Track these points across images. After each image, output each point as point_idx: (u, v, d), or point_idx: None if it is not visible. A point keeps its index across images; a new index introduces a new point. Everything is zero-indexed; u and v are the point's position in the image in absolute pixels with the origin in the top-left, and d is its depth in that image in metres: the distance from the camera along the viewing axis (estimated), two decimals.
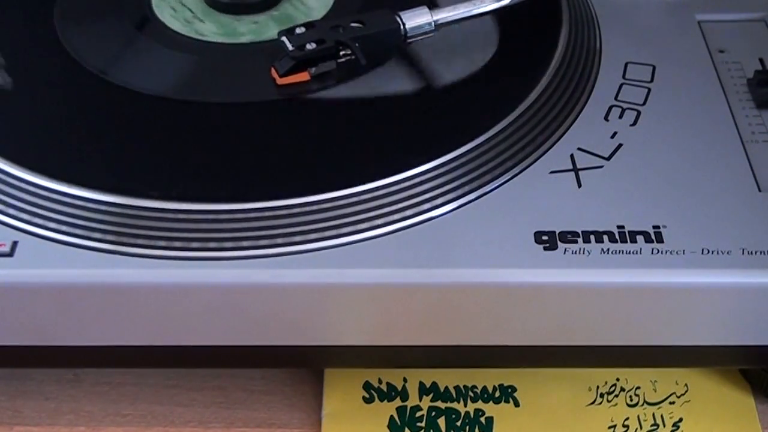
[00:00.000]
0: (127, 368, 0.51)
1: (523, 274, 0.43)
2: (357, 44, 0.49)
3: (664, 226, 0.44)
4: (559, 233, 0.44)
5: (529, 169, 0.46)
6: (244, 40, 0.53)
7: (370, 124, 0.48)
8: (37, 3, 0.55)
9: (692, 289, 0.43)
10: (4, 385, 0.51)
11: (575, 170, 0.46)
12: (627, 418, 0.50)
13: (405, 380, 0.51)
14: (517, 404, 0.50)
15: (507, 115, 0.47)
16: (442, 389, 0.51)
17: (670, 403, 0.50)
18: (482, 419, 0.50)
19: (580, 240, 0.43)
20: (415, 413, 0.50)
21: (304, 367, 0.52)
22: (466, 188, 0.45)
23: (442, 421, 0.50)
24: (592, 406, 0.50)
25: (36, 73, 0.51)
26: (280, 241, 0.43)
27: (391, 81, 0.50)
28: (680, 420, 0.50)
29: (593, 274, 0.43)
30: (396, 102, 0.49)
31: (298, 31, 0.50)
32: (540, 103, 0.48)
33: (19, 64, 0.51)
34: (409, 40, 0.50)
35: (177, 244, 0.43)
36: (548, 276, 0.43)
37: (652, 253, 0.43)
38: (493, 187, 0.45)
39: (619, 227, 0.44)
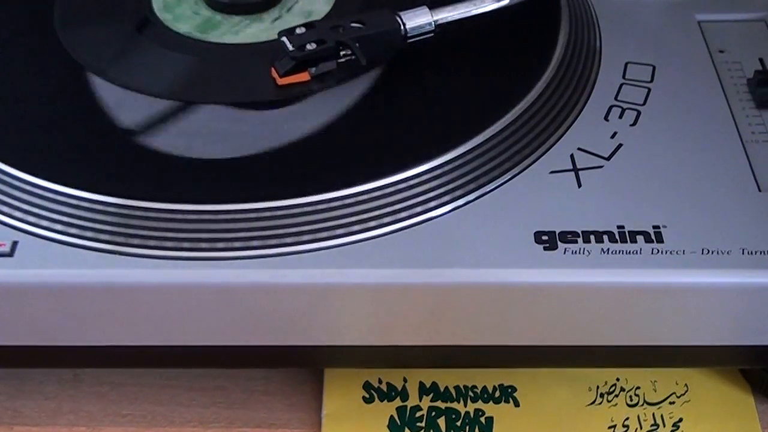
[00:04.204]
0: (127, 368, 0.51)
1: (523, 274, 0.43)
2: (357, 44, 0.49)
3: (664, 226, 0.44)
4: (559, 233, 0.44)
5: (529, 169, 0.46)
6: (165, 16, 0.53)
7: (370, 124, 0.48)
8: (37, 3, 0.55)
9: (692, 289, 0.43)
10: (4, 385, 0.51)
11: (575, 170, 0.46)
12: (627, 418, 0.50)
13: (405, 380, 0.51)
14: (517, 404, 0.50)
15: (507, 115, 0.47)
16: (442, 389, 0.51)
17: (670, 403, 0.50)
18: (482, 419, 0.50)
19: (580, 240, 0.43)
20: (415, 413, 0.50)
21: (304, 367, 0.52)
22: (466, 188, 0.45)
23: (442, 421, 0.50)
24: (592, 406, 0.50)
25: (35, 74, 0.51)
26: (279, 241, 0.43)
27: (392, 81, 0.50)
28: (680, 420, 0.50)
29: (593, 274, 0.43)
30: (396, 102, 0.49)
31: (299, 31, 0.49)
32: (540, 102, 0.48)
33: (19, 65, 0.51)
34: (409, 40, 0.50)
35: (178, 244, 0.43)
36: (548, 276, 0.43)
37: (652, 253, 0.43)
38: (493, 187, 0.45)
39: (619, 227, 0.44)
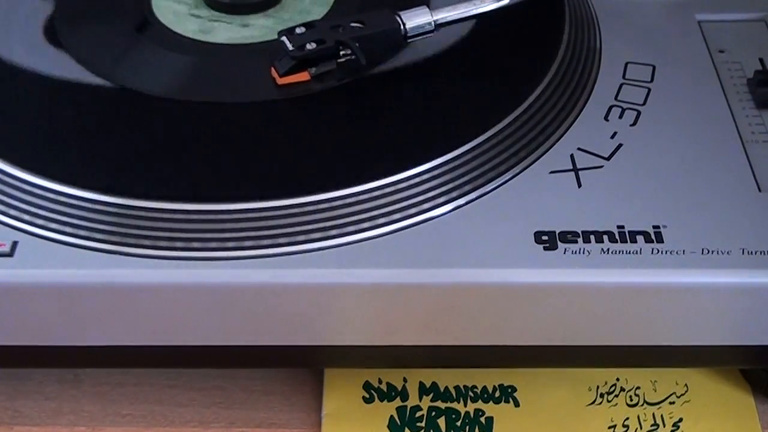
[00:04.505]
0: (127, 368, 0.51)
1: (523, 274, 0.43)
2: (357, 44, 0.49)
3: (664, 226, 0.44)
4: (559, 233, 0.44)
5: (529, 169, 0.46)
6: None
7: (369, 124, 0.48)
8: (37, 3, 0.55)
9: (692, 289, 0.43)
10: (4, 385, 0.51)
11: (575, 170, 0.46)
12: (627, 418, 0.50)
13: (405, 380, 0.51)
14: (517, 404, 0.50)
15: (507, 115, 0.47)
16: (442, 389, 0.51)
17: (670, 403, 0.50)
18: (482, 419, 0.50)
19: (580, 240, 0.43)
20: (415, 413, 0.50)
21: (304, 367, 0.52)
22: (466, 188, 0.45)
23: (442, 421, 0.50)
24: (592, 406, 0.50)
25: (35, 74, 0.51)
26: (280, 241, 0.43)
27: (391, 81, 0.50)
28: (680, 420, 0.50)
29: (593, 274, 0.43)
30: (396, 102, 0.49)
31: (298, 30, 0.50)
32: (540, 102, 0.48)
33: (19, 65, 0.52)
34: (409, 40, 0.50)
35: (177, 244, 0.43)
36: (548, 276, 0.43)
37: (652, 253, 0.43)
38: (493, 187, 0.45)
39: (619, 227, 0.44)
